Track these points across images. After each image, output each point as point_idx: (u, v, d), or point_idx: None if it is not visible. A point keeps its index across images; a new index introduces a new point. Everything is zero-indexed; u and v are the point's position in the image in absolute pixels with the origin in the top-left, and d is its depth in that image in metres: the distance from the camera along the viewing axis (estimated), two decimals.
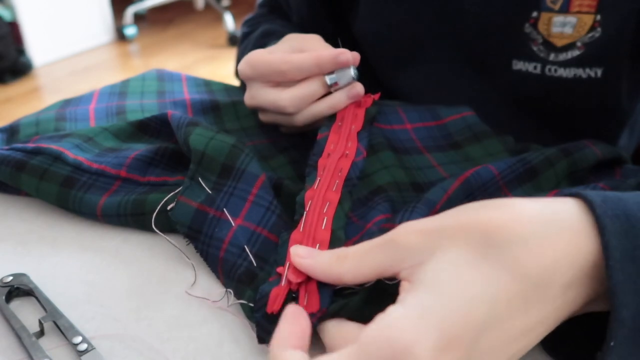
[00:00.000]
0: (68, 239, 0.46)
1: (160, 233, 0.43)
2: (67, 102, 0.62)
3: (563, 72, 0.55)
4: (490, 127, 0.55)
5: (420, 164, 0.51)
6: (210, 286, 0.41)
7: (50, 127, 0.57)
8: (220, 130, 0.47)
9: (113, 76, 2.73)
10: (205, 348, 0.36)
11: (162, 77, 0.69)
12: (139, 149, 0.51)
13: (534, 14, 0.54)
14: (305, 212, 0.41)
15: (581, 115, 0.59)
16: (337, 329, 0.34)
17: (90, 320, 0.38)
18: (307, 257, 0.35)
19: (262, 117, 0.55)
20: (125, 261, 0.44)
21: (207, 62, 2.90)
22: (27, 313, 0.39)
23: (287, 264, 0.37)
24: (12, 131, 0.57)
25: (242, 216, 0.43)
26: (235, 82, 0.73)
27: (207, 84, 0.69)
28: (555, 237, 0.29)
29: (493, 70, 0.59)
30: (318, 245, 0.39)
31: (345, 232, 0.41)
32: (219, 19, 3.39)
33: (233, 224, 0.42)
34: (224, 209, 0.43)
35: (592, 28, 0.52)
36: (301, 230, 0.40)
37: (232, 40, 3.09)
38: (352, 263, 0.32)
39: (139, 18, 3.44)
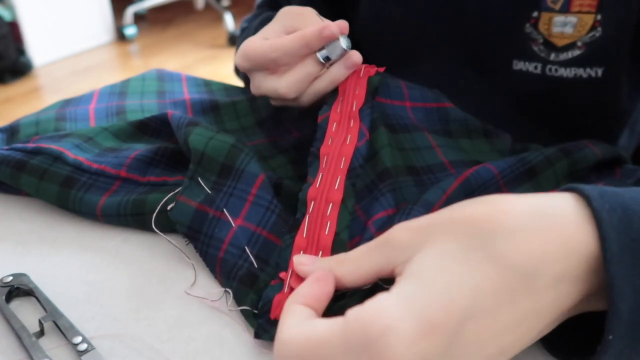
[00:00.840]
0: (68, 239, 0.46)
1: (160, 233, 0.43)
2: (67, 102, 0.62)
3: (564, 72, 0.55)
4: (491, 127, 0.55)
5: (419, 144, 0.50)
6: (210, 286, 0.41)
7: (50, 127, 0.57)
8: (220, 130, 0.47)
9: (113, 76, 2.73)
10: (205, 348, 0.36)
11: (162, 77, 0.69)
12: (139, 149, 0.51)
13: (535, 14, 0.54)
14: (307, 215, 0.41)
15: (581, 115, 0.59)
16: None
17: (90, 320, 0.38)
18: (309, 264, 0.36)
19: (273, 103, 0.55)
20: (125, 261, 0.44)
21: (207, 62, 2.90)
22: (27, 313, 0.39)
23: (290, 271, 0.37)
24: (12, 131, 0.57)
25: (242, 216, 0.42)
26: (235, 82, 0.73)
27: (207, 84, 0.69)
28: (543, 229, 0.29)
29: (493, 70, 0.59)
30: (321, 252, 0.39)
31: (350, 229, 0.41)
32: (219, 19, 3.39)
33: (233, 225, 0.42)
34: (224, 209, 0.43)
35: (593, 28, 0.52)
36: (304, 236, 0.40)
37: (232, 40, 3.09)
38: (350, 266, 0.33)
39: (139, 18, 3.44)
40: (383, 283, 0.34)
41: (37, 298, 0.39)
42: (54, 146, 0.49)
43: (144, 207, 0.45)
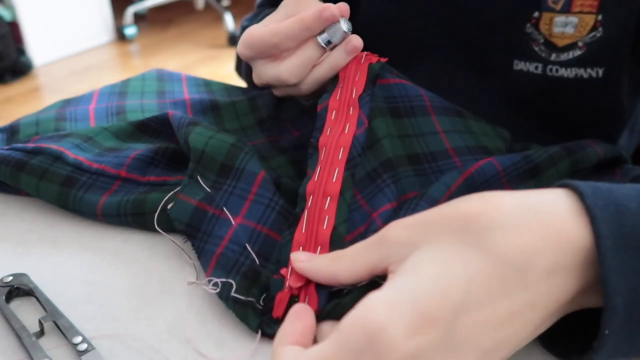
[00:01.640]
0: (68, 239, 0.46)
1: (162, 232, 0.43)
2: (67, 102, 0.62)
3: (564, 72, 0.55)
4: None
5: (423, 129, 0.49)
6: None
7: (50, 127, 0.57)
8: (220, 130, 0.47)
9: (113, 76, 2.73)
10: (205, 348, 0.36)
11: (162, 77, 0.69)
12: (139, 148, 0.51)
13: (536, 14, 0.54)
14: (306, 210, 0.41)
15: (582, 115, 0.59)
16: (331, 330, 0.34)
17: (90, 320, 0.38)
18: (306, 261, 0.36)
19: (275, 92, 0.55)
20: (125, 261, 0.44)
21: (207, 62, 2.90)
22: (27, 313, 0.39)
23: (290, 269, 0.37)
24: (12, 131, 0.57)
25: (242, 215, 0.42)
26: (236, 82, 0.73)
27: (207, 84, 0.69)
28: (535, 223, 0.29)
29: (494, 70, 0.59)
30: (320, 247, 0.39)
31: (352, 221, 0.41)
32: (219, 19, 3.39)
33: (233, 223, 0.42)
34: (224, 208, 0.43)
35: (594, 28, 0.52)
36: (303, 231, 0.40)
37: (232, 40, 3.09)
38: (346, 263, 0.34)
39: (139, 18, 3.44)
40: (380, 279, 0.34)
41: (37, 298, 0.39)
42: (54, 146, 0.49)
43: (144, 207, 0.45)
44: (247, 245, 0.41)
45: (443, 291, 0.28)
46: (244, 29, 0.72)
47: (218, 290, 0.38)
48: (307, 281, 0.36)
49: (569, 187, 0.31)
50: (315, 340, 0.34)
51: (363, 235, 0.41)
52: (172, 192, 0.44)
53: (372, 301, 0.28)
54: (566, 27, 0.53)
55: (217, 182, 0.44)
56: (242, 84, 0.74)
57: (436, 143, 0.49)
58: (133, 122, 0.55)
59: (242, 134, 0.58)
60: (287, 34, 0.48)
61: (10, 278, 0.40)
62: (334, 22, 0.48)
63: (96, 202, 0.46)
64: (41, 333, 0.37)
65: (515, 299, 0.28)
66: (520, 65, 0.56)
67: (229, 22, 3.13)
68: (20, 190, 0.50)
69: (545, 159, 0.47)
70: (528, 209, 0.30)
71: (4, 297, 0.39)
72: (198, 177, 0.44)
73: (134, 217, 0.45)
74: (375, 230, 0.40)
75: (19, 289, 0.40)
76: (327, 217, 0.40)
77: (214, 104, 0.61)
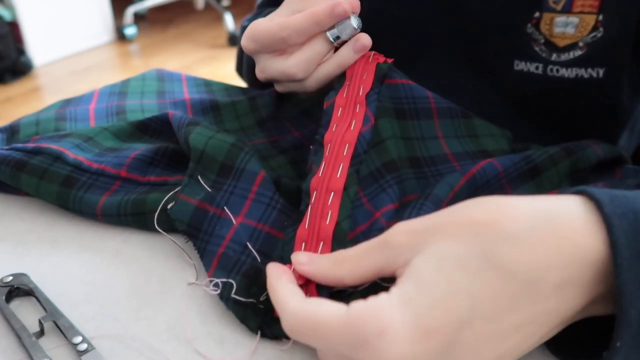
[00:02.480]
0: (68, 239, 0.46)
1: (163, 232, 0.43)
2: (67, 102, 0.62)
3: (565, 73, 0.54)
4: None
5: (424, 133, 0.49)
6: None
7: (50, 127, 0.57)
8: (220, 130, 0.47)
9: (113, 76, 2.73)
10: (205, 348, 0.36)
11: (162, 77, 0.69)
12: (139, 148, 0.51)
13: (536, 14, 0.53)
14: (310, 205, 0.41)
15: (582, 115, 0.59)
16: None
17: (90, 320, 0.38)
18: (308, 264, 0.36)
19: (278, 87, 0.54)
20: (125, 261, 0.44)
21: (207, 62, 2.90)
22: (27, 313, 0.39)
23: (292, 268, 0.37)
24: (12, 131, 0.57)
25: (243, 214, 0.42)
26: (236, 82, 0.73)
27: (207, 84, 0.69)
28: (549, 235, 0.28)
29: (494, 71, 0.59)
30: (322, 243, 0.39)
31: (353, 218, 0.41)
32: (219, 19, 3.39)
33: (234, 222, 0.42)
34: (224, 207, 0.42)
35: (595, 28, 0.52)
36: (306, 227, 0.40)
37: (232, 40, 3.09)
38: (350, 266, 0.33)
39: (139, 18, 3.44)
40: (382, 282, 0.34)
41: (37, 298, 0.39)
42: (54, 146, 0.49)
43: (144, 207, 0.45)
44: (248, 243, 0.41)
45: (448, 306, 0.27)
46: (244, 29, 0.72)
47: (219, 291, 0.38)
48: (308, 280, 0.36)
49: (585, 194, 0.30)
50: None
51: (365, 234, 0.41)
52: (172, 192, 0.44)
53: (379, 303, 0.28)
54: (567, 27, 0.53)
55: (217, 181, 0.44)
56: (242, 84, 0.74)
57: (435, 148, 0.49)
58: (133, 122, 0.55)
59: (242, 134, 0.57)
60: (297, 28, 0.47)
61: (10, 278, 0.40)
62: (345, 18, 0.47)
63: (96, 202, 0.46)
64: (41, 333, 0.37)
65: (522, 314, 0.28)
66: (520, 66, 0.56)
67: (229, 22, 3.13)
68: (20, 190, 0.50)
69: (545, 159, 0.47)
70: (543, 218, 0.29)
71: (4, 297, 0.39)
72: (198, 176, 0.44)
73: (134, 217, 0.45)
74: (380, 229, 0.40)
75: (19, 289, 0.40)
76: (330, 213, 0.40)
77: (214, 104, 0.61)
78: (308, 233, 0.39)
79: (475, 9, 0.57)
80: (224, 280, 0.38)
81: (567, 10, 0.52)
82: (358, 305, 0.28)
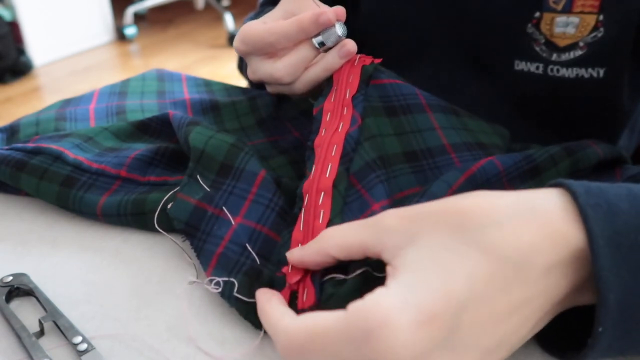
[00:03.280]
0: (68, 239, 0.46)
1: (163, 232, 0.43)
2: (67, 102, 0.62)
3: (565, 72, 0.55)
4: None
5: (420, 125, 0.49)
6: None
7: (50, 127, 0.57)
8: (220, 130, 0.47)
9: (113, 76, 2.73)
10: (206, 348, 0.36)
11: (162, 77, 0.69)
12: (139, 148, 0.51)
13: (537, 14, 0.54)
14: (303, 208, 0.41)
15: (582, 115, 0.59)
16: None
17: (90, 320, 0.38)
18: (298, 251, 0.37)
19: (269, 89, 0.56)
20: (125, 261, 0.44)
21: (207, 62, 2.90)
22: (27, 313, 0.39)
23: (290, 267, 0.37)
24: (12, 131, 0.57)
25: (242, 214, 0.42)
26: (235, 82, 0.73)
27: (207, 84, 0.69)
28: (531, 220, 0.30)
29: (495, 71, 0.59)
30: None
31: (349, 210, 0.41)
32: (219, 19, 3.39)
33: (233, 222, 0.42)
34: (223, 207, 0.43)
35: (595, 28, 0.52)
36: (301, 229, 0.40)
37: (232, 40, 3.08)
38: (337, 237, 0.34)
39: (139, 18, 3.44)
40: (373, 271, 0.34)
41: (37, 298, 0.39)
42: (54, 146, 0.49)
43: (144, 207, 0.45)
44: (247, 245, 0.41)
45: (447, 289, 0.28)
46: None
47: (220, 289, 0.38)
48: (304, 275, 0.36)
49: (562, 187, 0.32)
50: None
51: None
52: (172, 192, 0.44)
53: (379, 295, 0.28)
54: (567, 27, 0.53)
55: (216, 181, 0.44)
56: (243, 84, 0.74)
57: (433, 139, 0.49)
58: (133, 122, 0.55)
59: (242, 134, 0.57)
60: (284, 34, 0.49)
61: (10, 278, 0.40)
62: (330, 26, 0.49)
63: (96, 202, 0.46)
64: (41, 333, 0.37)
65: (514, 295, 0.29)
66: (521, 65, 0.56)
67: (229, 22, 3.13)
68: (20, 190, 0.50)
69: (546, 159, 0.47)
70: (523, 206, 0.30)
71: (4, 297, 0.39)
72: (197, 176, 0.44)
73: (134, 217, 0.45)
74: None
75: (19, 289, 0.40)
76: (322, 212, 0.40)
77: (214, 104, 0.61)
78: (303, 235, 0.40)
79: (475, 9, 0.57)
80: (225, 279, 0.38)
81: (567, 10, 0.52)
82: (356, 303, 0.28)
